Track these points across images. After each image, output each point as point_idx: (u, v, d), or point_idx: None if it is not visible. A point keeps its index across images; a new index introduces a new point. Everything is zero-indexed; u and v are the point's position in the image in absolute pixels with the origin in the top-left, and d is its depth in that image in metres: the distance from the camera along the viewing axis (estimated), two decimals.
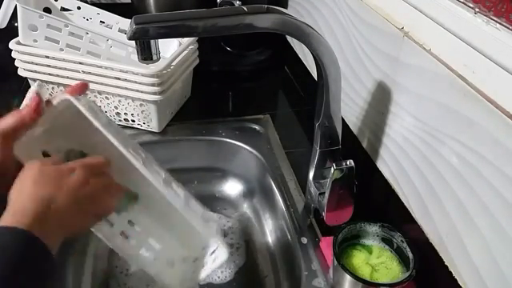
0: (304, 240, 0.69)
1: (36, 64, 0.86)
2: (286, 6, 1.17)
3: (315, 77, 0.61)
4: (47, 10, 0.97)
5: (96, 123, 0.51)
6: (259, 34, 0.56)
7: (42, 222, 0.43)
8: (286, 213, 0.75)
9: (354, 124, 0.78)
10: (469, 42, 0.49)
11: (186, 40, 0.91)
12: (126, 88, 0.82)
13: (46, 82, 0.88)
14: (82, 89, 0.55)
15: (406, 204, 0.63)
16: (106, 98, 0.86)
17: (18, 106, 0.96)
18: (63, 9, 1.00)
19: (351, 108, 0.79)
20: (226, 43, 1.18)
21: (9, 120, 0.51)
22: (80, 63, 0.83)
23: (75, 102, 0.51)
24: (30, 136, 0.50)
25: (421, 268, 0.56)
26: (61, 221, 0.45)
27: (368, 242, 0.63)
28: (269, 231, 0.80)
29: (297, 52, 1.11)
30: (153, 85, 0.81)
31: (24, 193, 0.45)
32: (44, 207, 0.44)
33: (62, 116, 0.53)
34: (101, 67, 0.82)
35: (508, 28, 0.44)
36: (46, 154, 0.52)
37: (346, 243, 0.62)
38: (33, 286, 0.41)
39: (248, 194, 0.88)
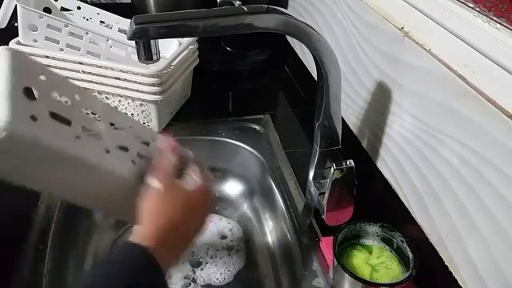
0: (304, 240, 0.69)
1: None
2: (285, 6, 1.17)
3: (315, 77, 0.61)
4: (47, 10, 0.97)
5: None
6: (259, 33, 0.56)
7: (161, 243, 0.46)
8: (285, 213, 0.75)
9: (353, 124, 0.78)
10: (469, 42, 0.49)
11: (185, 40, 0.91)
12: (126, 88, 0.82)
13: None
14: None
15: (406, 204, 0.63)
16: (106, 98, 0.86)
17: None
18: (63, 9, 1.00)
19: (351, 108, 0.79)
20: (226, 43, 1.18)
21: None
22: (80, 63, 0.83)
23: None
24: None
25: (421, 268, 0.56)
26: (177, 241, 0.49)
27: (368, 242, 0.63)
28: (269, 231, 0.80)
29: (297, 52, 1.11)
30: (153, 85, 0.81)
31: (154, 214, 0.48)
32: (167, 228, 0.47)
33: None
34: (101, 67, 0.82)
35: (508, 28, 0.44)
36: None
37: (346, 243, 0.62)
38: None
39: (248, 194, 0.88)
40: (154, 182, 0.49)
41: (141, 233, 0.46)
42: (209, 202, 0.53)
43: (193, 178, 0.51)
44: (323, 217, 0.66)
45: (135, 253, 0.44)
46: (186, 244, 0.51)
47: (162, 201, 0.48)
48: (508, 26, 0.44)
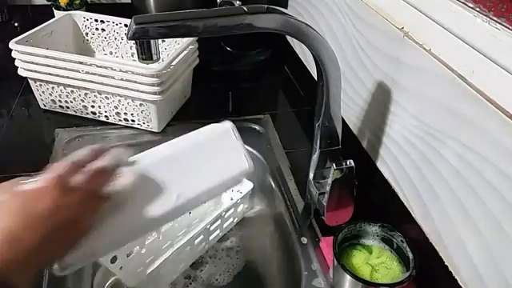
0: (304, 240, 0.69)
1: (36, 64, 0.85)
2: (286, 6, 1.17)
3: (315, 77, 0.61)
4: None
5: None
6: (259, 33, 0.56)
7: (5, 264, 0.36)
8: (285, 213, 0.75)
9: (353, 124, 0.78)
10: (469, 42, 0.49)
11: (185, 40, 0.91)
12: (126, 88, 0.82)
13: (46, 81, 0.88)
14: None
15: (405, 204, 0.63)
16: (106, 97, 0.86)
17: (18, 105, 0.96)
18: None
19: (351, 108, 0.79)
20: (226, 43, 1.18)
21: None
22: (80, 63, 0.83)
23: None
24: None
25: (421, 268, 0.56)
26: (30, 258, 0.38)
27: (368, 242, 0.63)
28: (269, 231, 0.80)
29: (297, 52, 1.11)
30: (153, 85, 0.81)
31: None
32: (9, 246, 0.37)
33: None
34: (101, 67, 0.82)
35: (508, 28, 0.44)
36: None
37: (346, 243, 0.62)
38: None
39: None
40: None
41: None
42: (70, 203, 0.41)
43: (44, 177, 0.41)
44: (323, 217, 0.66)
45: None
46: (52, 253, 0.40)
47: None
48: (508, 25, 0.44)
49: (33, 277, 0.38)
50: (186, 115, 0.95)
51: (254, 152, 0.87)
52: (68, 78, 0.85)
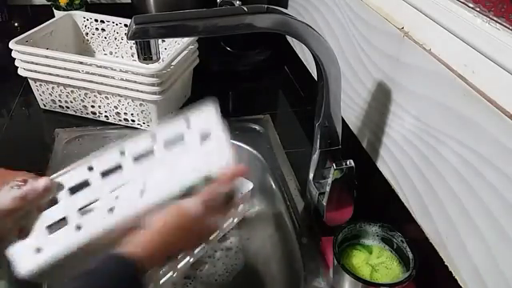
0: (304, 240, 0.69)
1: (36, 64, 0.85)
2: (286, 6, 1.17)
3: (315, 77, 0.61)
4: None
5: None
6: (259, 33, 0.57)
7: (148, 256, 0.45)
8: (285, 213, 0.75)
9: (353, 124, 0.78)
10: (469, 42, 0.49)
11: (185, 40, 0.91)
12: (126, 88, 0.82)
13: (46, 81, 0.88)
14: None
15: (405, 204, 0.63)
16: (106, 97, 0.86)
17: (19, 105, 0.96)
18: None
19: (351, 108, 0.79)
20: (226, 43, 1.18)
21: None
22: (80, 63, 0.83)
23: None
24: None
25: (421, 268, 0.56)
26: (167, 254, 0.48)
27: (368, 242, 0.63)
28: (269, 231, 0.80)
29: (297, 52, 1.11)
30: (153, 85, 0.81)
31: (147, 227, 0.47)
32: (157, 242, 0.46)
33: None
34: (101, 67, 0.82)
35: (508, 28, 0.44)
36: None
37: (346, 243, 0.62)
38: None
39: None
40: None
41: (132, 246, 0.45)
42: (204, 232, 0.52)
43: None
44: (323, 217, 0.66)
45: (116, 264, 0.42)
46: (165, 259, 0.50)
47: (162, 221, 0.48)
48: (508, 25, 0.44)
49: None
50: None
51: (254, 152, 0.87)
52: (68, 77, 0.85)
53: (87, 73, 0.83)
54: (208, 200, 0.50)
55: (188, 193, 0.51)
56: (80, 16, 1.04)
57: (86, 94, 0.87)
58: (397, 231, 0.60)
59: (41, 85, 0.89)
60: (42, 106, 0.94)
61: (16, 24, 1.30)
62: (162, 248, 0.46)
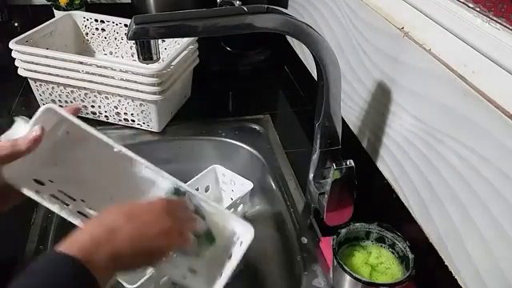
0: (304, 240, 0.69)
1: (36, 64, 0.85)
2: (286, 6, 1.17)
3: (315, 77, 0.61)
4: None
5: (85, 127, 0.51)
6: (259, 33, 0.56)
7: (95, 253, 0.41)
8: (286, 213, 0.75)
9: (354, 124, 0.78)
10: (469, 42, 0.49)
11: (185, 40, 0.91)
12: (126, 88, 0.82)
13: (46, 81, 0.88)
14: (76, 111, 0.54)
15: (405, 204, 0.63)
16: (106, 97, 0.86)
17: (21, 106, 0.96)
18: None
19: (351, 108, 0.79)
20: (226, 43, 1.18)
21: (3, 148, 0.48)
22: (80, 63, 0.83)
23: (56, 109, 0.51)
24: (21, 163, 0.49)
25: (421, 268, 0.56)
26: (120, 257, 0.44)
27: (368, 242, 0.63)
28: (269, 231, 0.80)
29: (297, 52, 1.11)
30: (153, 85, 0.81)
31: (94, 222, 0.46)
32: (106, 240, 0.43)
33: (50, 134, 0.53)
34: (101, 67, 0.82)
35: (508, 28, 0.44)
36: (37, 181, 0.52)
37: (346, 243, 0.62)
38: None
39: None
40: None
41: (73, 241, 0.42)
42: (166, 224, 0.48)
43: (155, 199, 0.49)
44: (323, 217, 0.66)
45: (63, 263, 0.40)
46: (133, 259, 0.45)
47: (105, 213, 0.46)
48: (508, 25, 0.44)
49: (111, 276, 0.44)
50: (186, 115, 0.95)
51: (254, 152, 0.87)
52: (68, 77, 0.85)
53: (87, 73, 0.83)
54: (157, 207, 0.48)
55: None
56: (80, 16, 1.04)
57: (85, 94, 0.87)
58: (396, 231, 0.60)
59: (41, 85, 0.89)
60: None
61: (16, 24, 1.30)
62: (99, 245, 0.42)
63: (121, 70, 0.81)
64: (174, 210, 0.50)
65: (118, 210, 0.46)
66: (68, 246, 0.41)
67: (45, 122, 0.51)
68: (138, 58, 0.54)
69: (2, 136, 0.51)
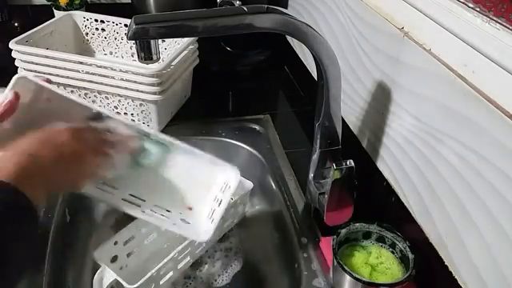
0: (304, 240, 0.69)
1: (36, 64, 0.85)
2: (286, 6, 1.17)
3: (315, 77, 0.61)
4: None
5: (58, 91, 0.54)
6: (259, 33, 0.56)
7: (24, 176, 0.44)
8: (286, 213, 0.75)
9: (353, 124, 0.78)
10: (469, 42, 0.49)
11: (185, 40, 0.91)
12: (126, 88, 0.82)
13: None
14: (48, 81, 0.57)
15: (405, 204, 0.63)
16: (106, 97, 0.86)
17: None
18: None
19: (351, 108, 0.79)
20: (226, 43, 1.18)
21: None
22: (80, 63, 0.83)
23: (30, 77, 0.54)
24: None
25: (421, 268, 0.56)
26: (45, 176, 0.47)
27: (368, 242, 0.63)
28: (269, 231, 0.80)
29: (297, 52, 1.11)
30: (153, 85, 0.81)
31: (10, 150, 0.47)
32: (27, 162, 0.46)
33: (28, 101, 0.55)
34: (101, 67, 0.82)
35: (508, 28, 0.44)
36: None
37: (346, 243, 0.62)
38: (15, 238, 0.42)
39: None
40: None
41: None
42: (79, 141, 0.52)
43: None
44: (323, 217, 0.66)
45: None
46: (60, 179, 0.50)
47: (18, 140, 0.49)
48: (508, 25, 0.44)
49: (46, 196, 0.47)
50: (186, 115, 0.95)
51: (254, 152, 0.87)
52: (68, 77, 0.85)
53: (87, 73, 0.83)
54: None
55: None
56: (80, 16, 1.04)
57: (86, 94, 0.87)
58: (396, 231, 0.60)
59: None
60: None
61: (16, 24, 1.30)
62: (24, 170, 0.45)
63: (121, 70, 0.81)
64: (81, 134, 0.53)
65: (31, 138, 0.49)
66: None
67: (21, 91, 0.54)
68: (138, 58, 0.54)
69: None
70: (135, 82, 0.81)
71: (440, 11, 0.53)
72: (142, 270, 0.64)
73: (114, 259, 0.64)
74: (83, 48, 1.06)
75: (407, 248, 0.59)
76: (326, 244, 0.66)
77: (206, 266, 0.73)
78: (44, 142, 0.49)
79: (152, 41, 0.53)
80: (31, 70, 0.86)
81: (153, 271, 0.61)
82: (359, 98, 0.75)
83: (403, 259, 0.60)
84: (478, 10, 0.47)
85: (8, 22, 1.28)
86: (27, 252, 0.44)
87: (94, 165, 0.54)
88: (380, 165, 0.70)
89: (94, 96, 0.87)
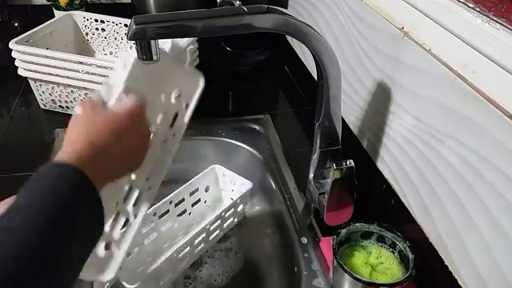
0: (304, 240, 0.69)
1: (36, 64, 0.85)
2: (286, 6, 1.17)
3: (315, 77, 0.61)
4: None
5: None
6: (259, 34, 0.56)
7: (93, 165, 0.42)
8: (286, 213, 0.75)
9: (353, 124, 0.78)
10: (469, 42, 0.49)
11: (185, 40, 0.91)
12: None
13: (46, 81, 0.88)
14: None
15: (406, 204, 0.63)
16: None
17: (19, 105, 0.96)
18: None
19: (351, 108, 0.79)
20: (226, 43, 1.18)
21: None
22: (80, 63, 0.83)
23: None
24: None
25: (421, 268, 0.56)
26: (108, 163, 0.45)
27: (368, 242, 0.63)
28: (269, 231, 0.80)
29: (297, 52, 1.11)
30: None
31: (80, 135, 0.45)
32: (95, 151, 0.44)
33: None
34: (101, 67, 0.82)
35: (508, 28, 0.44)
36: None
37: (346, 243, 0.62)
38: (81, 227, 0.40)
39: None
40: (78, 110, 0.48)
41: (63, 155, 0.42)
42: (138, 122, 0.50)
43: (121, 103, 0.50)
44: (323, 217, 0.66)
45: (63, 170, 0.40)
46: (119, 165, 0.48)
47: (83, 124, 0.46)
48: (508, 25, 0.44)
49: (104, 185, 0.45)
50: None
51: (254, 152, 0.87)
52: (68, 78, 0.85)
53: (87, 73, 0.83)
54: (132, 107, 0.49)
55: None
56: (80, 16, 1.04)
57: (86, 94, 0.87)
58: (396, 231, 0.60)
59: (41, 85, 0.89)
60: (42, 106, 0.94)
61: (16, 24, 1.30)
62: (96, 148, 0.44)
63: None
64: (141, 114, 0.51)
65: (104, 125, 0.47)
66: (67, 157, 0.42)
67: None
68: (138, 58, 0.54)
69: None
70: None
71: (440, 11, 0.53)
72: (141, 270, 0.64)
73: None
74: (83, 48, 1.06)
75: (407, 248, 0.59)
76: (326, 244, 0.66)
77: (206, 265, 0.73)
78: (111, 129, 0.47)
79: (152, 41, 0.53)
80: (31, 70, 0.86)
81: (152, 269, 0.61)
82: (359, 98, 0.75)
83: (403, 259, 0.60)
84: (478, 10, 0.47)
85: (8, 22, 1.28)
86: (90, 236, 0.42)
87: (141, 155, 0.52)
88: (380, 165, 0.70)
89: None
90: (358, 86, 0.76)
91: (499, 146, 0.44)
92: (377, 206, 0.71)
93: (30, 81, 0.90)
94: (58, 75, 0.85)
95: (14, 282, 0.32)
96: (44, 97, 0.92)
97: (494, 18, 0.45)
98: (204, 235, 0.70)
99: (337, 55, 0.57)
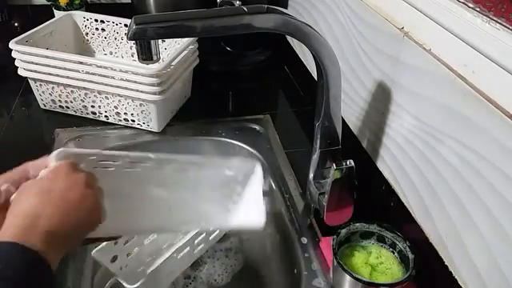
0: (304, 240, 0.69)
1: (36, 64, 0.85)
2: (286, 6, 1.17)
3: (315, 77, 0.61)
4: None
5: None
6: (259, 34, 0.56)
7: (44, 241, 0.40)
8: (285, 213, 0.75)
9: (354, 124, 0.78)
10: (469, 42, 0.49)
11: (185, 40, 0.91)
12: (126, 88, 0.82)
13: (46, 81, 0.88)
14: None
15: (406, 204, 0.63)
16: (106, 97, 0.86)
17: (19, 106, 0.96)
18: None
19: (351, 108, 0.79)
20: (226, 43, 1.18)
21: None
22: (80, 63, 0.83)
23: (68, 151, 0.51)
24: None
25: (421, 268, 0.56)
26: (60, 237, 0.42)
27: (368, 242, 0.63)
28: (269, 231, 0.80)
29: (297, 52, 1.11)
30: (153, 85, 0.81)
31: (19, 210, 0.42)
32: (33, 222, 0.41)
33: None
34: (101, 67, 0.82)
35: (508, 28, 0.44)
36: None
37: (346, 243, 0.62)
38: None
39: None
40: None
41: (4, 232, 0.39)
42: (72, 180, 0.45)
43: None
44: (323, 217, 0.66)
45: (14, 253, 0.38)
46: (71, 232, 0.43)
47: (17, 198, 0.44)
48: (508, 25, 0.44)
49: (60, 258, 0.42)
50: (186, 115, 0.95)
51: (254, 152, 0.87)
52: (68, 78, 0.85)
53: (87, 73, 0.83)
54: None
55: None
56: (80, 16, 1.04)
57: (85, 94, 0.87)
58: (396, 231, 0.60)
59: (41, 85, 0.89)
60: (42, 106, 0.94)
61: (16, 24, 1.30)
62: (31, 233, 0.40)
63: (121, 70, 0.81)
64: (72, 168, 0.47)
65: (32, 193, 0.43)
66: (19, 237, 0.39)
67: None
68: (138, 58, 0.54)
69: None
70: (135, 82, 0.81)
71: (440, 11, 0.53)
72: (142, 270, 0.64)
73: (114, 259, 0.64)
74: (83, 48, 1.06)
75: (407, 248, 0.59)
76: (326, 244, 0.66)
77: (206, 265, 0.74)
78: (42, 199, 0.43)
79: (152, 41, 0.53)
80: (31, 70, 0.86)
81: (152, 269, 0.61)
82: (359, 97, 0.75)
83: (403, 259, 0.60)
84: (478, 10, 0.47)
85: (8, 22, 1.28)
86: None
87: (96, 207, 0.47)
88: (380, 165, 0.70)
89: (94, 96, 0.87)
90: (357, 85, 0.76)
91: (499, 146, 0.44)
92: (377, 206, 0.71)
93: (29, 81, 0.90)
94: (57, 75, 0.85)
95: None
96: (44, 97, 0.92)
97: (494, 18, 0.45)
98: (204, 235, 0.70)
99: (337, 55, 0.57)
